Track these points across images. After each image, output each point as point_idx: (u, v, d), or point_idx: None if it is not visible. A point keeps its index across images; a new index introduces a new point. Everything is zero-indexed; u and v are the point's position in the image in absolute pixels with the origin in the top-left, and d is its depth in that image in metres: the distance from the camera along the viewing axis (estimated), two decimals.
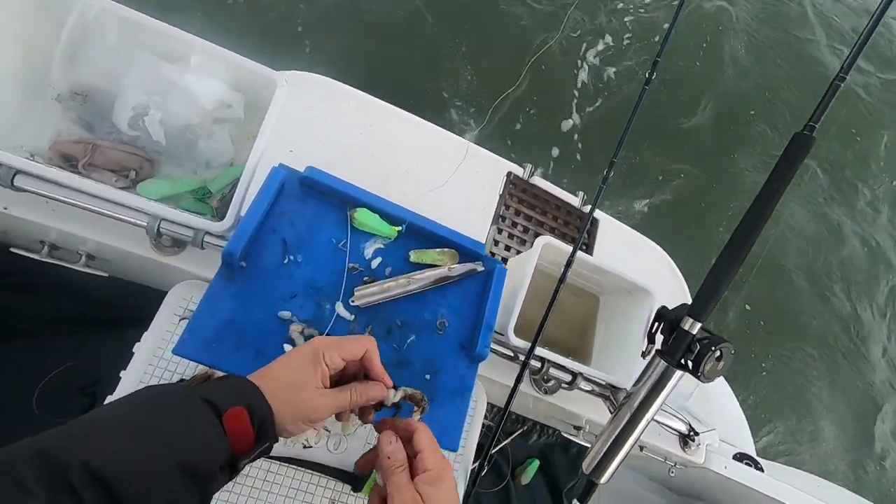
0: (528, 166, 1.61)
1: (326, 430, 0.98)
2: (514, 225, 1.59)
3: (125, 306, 1.24)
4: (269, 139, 0.98)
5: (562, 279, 0.99)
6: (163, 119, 0.92)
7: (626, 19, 3.72)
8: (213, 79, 0.92)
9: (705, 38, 3.92)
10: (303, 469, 0.97)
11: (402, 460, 0.59)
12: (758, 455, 1.52)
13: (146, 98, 0.91)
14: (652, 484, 1.74)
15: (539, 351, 1.04)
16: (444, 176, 1.42)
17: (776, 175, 0.87)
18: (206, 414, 0.50)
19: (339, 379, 0.65)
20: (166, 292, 1.02)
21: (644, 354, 1.10)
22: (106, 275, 1.11)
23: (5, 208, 0.94)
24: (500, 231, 1.57)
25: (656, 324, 1.01)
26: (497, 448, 0.97)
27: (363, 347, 0.64)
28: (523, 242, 1.59)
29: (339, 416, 0.67)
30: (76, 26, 0.84)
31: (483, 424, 1.12)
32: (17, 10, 0.86)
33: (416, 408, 0.75)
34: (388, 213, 0.98)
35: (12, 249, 1.05)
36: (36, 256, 1.06)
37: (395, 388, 0.70)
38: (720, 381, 1.76)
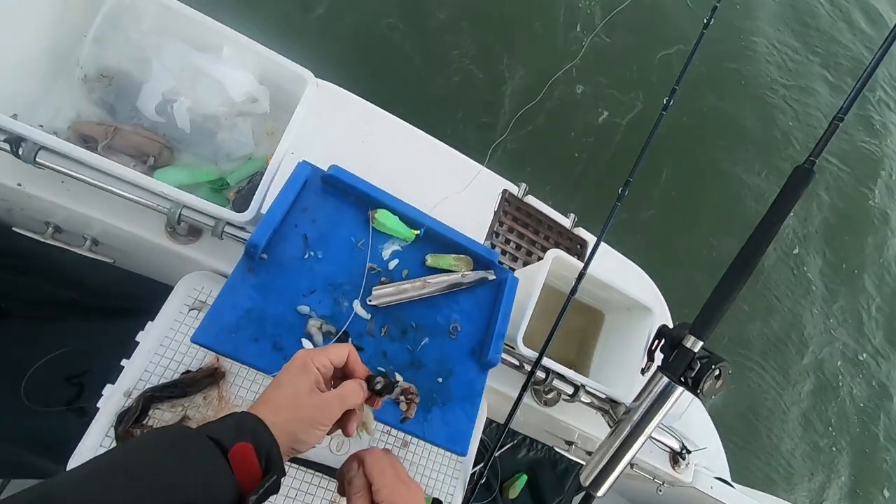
0: (523, 185, 1.65)
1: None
2: (507, 242, 1.62)
3: (119, 296, 1.21)
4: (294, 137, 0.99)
5: (573, 291, 1.01)
6: (190, 107, 0.92)
7: (644, 53, 3.87)
8: (244, 71, 0.93)
9: (716, 69, 4.11)
10: (304, 469, 0.95)
11: (359, 486, 0.62)
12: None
13: (176, 84, 0.91)
14: None
15: (546, 361, 1.06)
16: (445, 190, 1.44)
17: (778, 205, 0.92)
18: (211, 452, 0.49)
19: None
20: (165, 284, 1.00)
21: (643, 371, 1.13)
22: (111, 261, 1.09)
23: (19, 184, 0.92)
24: (493, 246, 1.60)
25: (657, 341, 1.04)
26: (489, 459, 0.97)
27: (346, 353, 0.65)
28: (515, 259, 1.61)
29: (347, 420, 0.65)
30: (114, 7, 0.84)
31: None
32: None
33: (405, 402, 0.73)
34: (408, 216, 0.99)
35: (15, 229, 1.02)
36: (39, 237, 1.03)
37: (395, 382, 0.70)
38: (698, 407, 1.81)
